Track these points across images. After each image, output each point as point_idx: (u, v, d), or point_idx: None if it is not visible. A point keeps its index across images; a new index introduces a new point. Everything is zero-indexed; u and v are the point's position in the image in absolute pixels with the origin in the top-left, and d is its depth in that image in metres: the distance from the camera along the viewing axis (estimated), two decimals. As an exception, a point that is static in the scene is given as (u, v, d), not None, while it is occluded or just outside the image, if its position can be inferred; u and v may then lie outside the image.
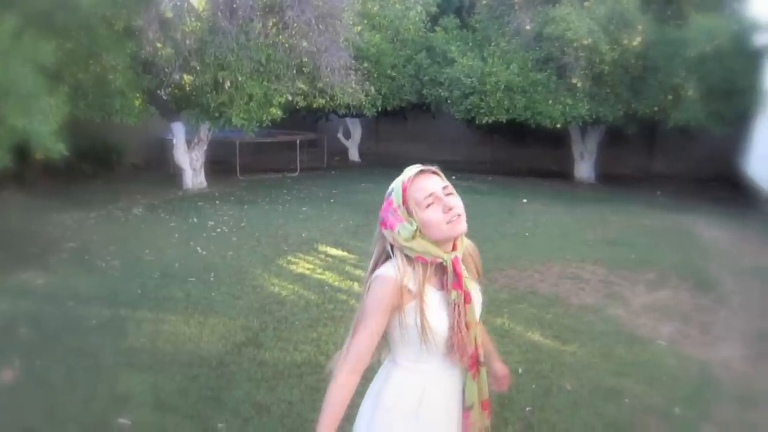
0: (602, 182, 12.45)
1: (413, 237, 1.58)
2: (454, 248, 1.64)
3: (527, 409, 3.38)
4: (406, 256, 1.61)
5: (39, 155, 5.59)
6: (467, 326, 1.62)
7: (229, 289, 5.24)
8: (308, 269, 5.91)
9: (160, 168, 12.08)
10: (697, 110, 9.69)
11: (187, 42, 8.95)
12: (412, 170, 1.61)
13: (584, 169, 12.78)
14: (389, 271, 1.61)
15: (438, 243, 1.61)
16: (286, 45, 9.99)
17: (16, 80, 4.85)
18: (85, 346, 4.02)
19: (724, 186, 11.55)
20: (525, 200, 9.90)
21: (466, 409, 1.70)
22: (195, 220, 7.99)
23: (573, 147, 12.86)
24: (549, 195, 10.62)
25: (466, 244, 1.72)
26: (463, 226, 1.60)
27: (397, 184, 1.61)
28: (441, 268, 1.64)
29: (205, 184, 10.66)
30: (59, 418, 3.20)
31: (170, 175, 11.02)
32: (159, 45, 9.19)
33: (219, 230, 7.44)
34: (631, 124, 11.23)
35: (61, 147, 5.63)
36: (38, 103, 5.13)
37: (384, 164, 13.31)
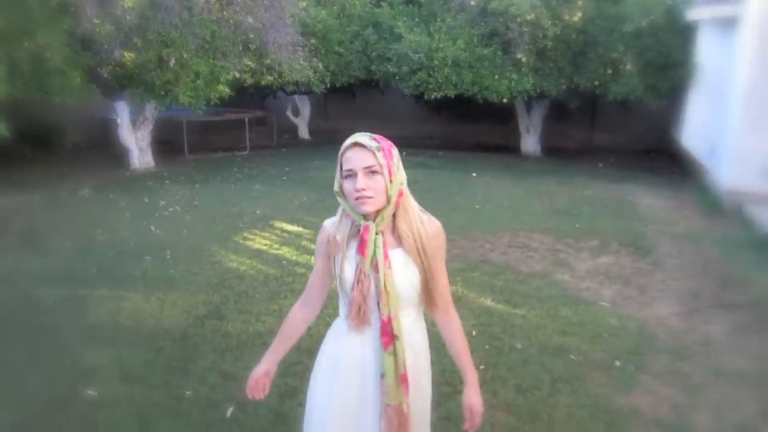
0: (548, 155, 12.82)
1: (338, 193, 1.72)
2: (376, 217, 1.70)
3: (480, 367, 3.58)
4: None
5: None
6: (378, 295, 1.69)
7: (187, 266, 5.25)
8: (265, 245, 5.96)
9: (104, 149, 11.71)
10: (635, 83, 10.09)
11: (128, 18, 8.68)
12: (351, 139, 1.68)
13: (530, 142, 13.13)
14: (327, 221, 1.80)
15: None
16: (231, 21, 9.84)
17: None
18: (44, 324, 4.01)
19: (661, 157, 12.15)
20: (474, 174, 10.16)
21: (382, 375, 1.74)
22: (146, 200, 7.88)
23: (519, 121, 13.17)
24: (497, 168, 10.91)
25: (413, 224, 1.73)
26: (367, 207, 1.65)
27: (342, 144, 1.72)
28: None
29: (153, 164, 10.46)
30: (24, 391, 3.22)
31: (116, 155, 10.73)
32: (97, 21, 8.88)
33: (171, 209, 7.37)
34: (574, 98, 11.60)
35: (2, 128, 5.47)
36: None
37: (334, 141, 13.13)
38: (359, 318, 1.72)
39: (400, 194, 1.71)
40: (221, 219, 6.95)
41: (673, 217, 7.57)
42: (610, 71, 10.56)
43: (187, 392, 3.23)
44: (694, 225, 7.14)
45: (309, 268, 5.22)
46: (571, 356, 3.78)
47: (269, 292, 4.72)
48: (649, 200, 8.51)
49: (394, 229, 1.74)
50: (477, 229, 6.68)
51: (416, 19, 11.95)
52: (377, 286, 1.69)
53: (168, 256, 5.51)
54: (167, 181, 9.17)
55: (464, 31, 11.04)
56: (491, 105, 11.95)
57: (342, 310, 1.81)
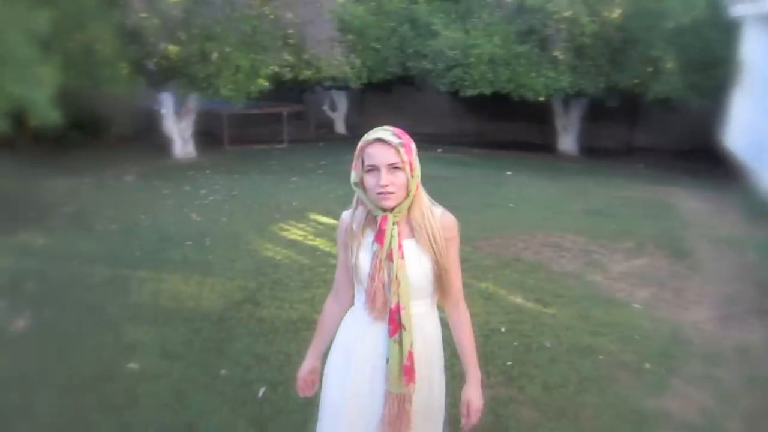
0: (585, 155, 12.67)
1: (356, 185, 1.76)
2: (394, 208, 1.74)
3: (508, 363, 3.62)
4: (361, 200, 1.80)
5: (34, 122, 5.63)
6: (390, 283, 1.72)
7: (225, 252, 5.42)
8: (300, 236, 6.09)
9: (148, 138, 12.08)
10: (676, 82, 9.87)
11: (173, 12, 8.94)
12: (373, 134, 1.72)
13: (567, 142, 12.99)
14: (345, 212, 1.85)
15: None
16: (272, 16, 10.04)
17: (12, 49, 4.91)
18: (91, 301, 4.22)
19: (703, 158, 11.85)
20: (509, 172, 10.12)
21: (387, 360, 1.76)
22: (187, 188, 8.12)
23: (556, 120, 13.04)
24: (533, 167, 10.84)
25: (426, 216, 1.77)
26: (389, 202, 1.70)
27: (363, 138, 1.75)
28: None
29: (194, 153, 10.75)
30: (72, 362, 3.41)
31: (159, 145, 11.06)
32: (144, 15, 9.16)
33: (211, 198, 7.59)
34: (612, 96, 11.40)
35: (56, 114, 5.74)
36: (33, 71, 5.20)
37: (371, 137, 13.40)
38: (376, 306, 1.74)
39: (418, 187, 1.76)
40: (258, 209, 7.12)
41: (715, 220, 7.41)
42: (650, 69, 10.34)
43: (222, 371, 3.36)
44: (737, 229, 6.98)
45: (342, 259, 5.35)
46: (600, 356, 3.78)
47: (303, 280, 4.83)
48: (690, 203, 8.35)
49: (409, 219, 1.77)
50: (510, 227, 6.68)
51: (453, 16, 11.92)
52: (389, 275, 1.72)
53: (207, 243, 5.69)
54: (207, 171, 9.41)
55: (501, 28, 10.98)
56: (528, 103, 11.86)
57: (358, 299, 1.85)
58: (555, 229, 6.69)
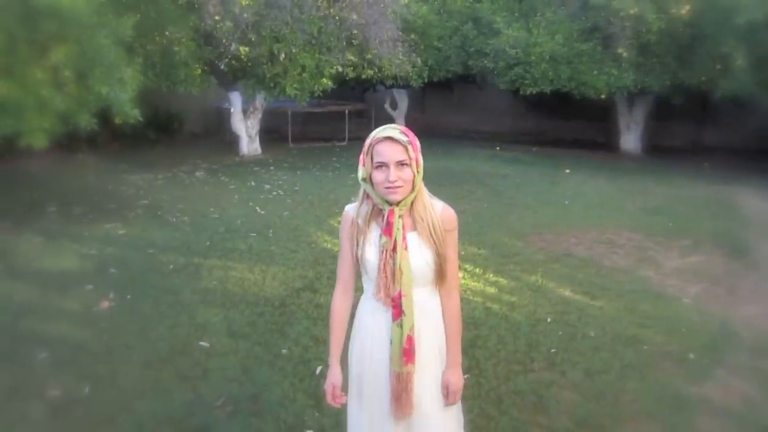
0: (649, 154, 12.44)
1: (364, 180, 1.87)
2: (400, 202, 1.84)
3: (552, 350, 3.78)
4: (367, 193, 1.90)
5: (117, 121, 6.16)
6: (394, 272, 1.83)
7: (287, 243, 5.78)
8: (357, 229, 6.38)
9: (215, 135, 12.77)
10: (746, 80, 9.57)
11: (245, 15, 9.43)
12: (382, 132, 1.82)
13: (630, 140, 12.79)
14: (349, 207, 1.97)
15: None
16: (337, 18, 10.38)
17: (100, 52, 5.42)
18: (166, 285, 4.64)
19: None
20: (568, 171, 10.11)
21: (390, 342, 1.89)
22: (252, 183, 8.59)
23: (619, 118, 12.85)
24: (592, 166, 10.78)
25: (427, 209, 1.88)
26: (397, 196, 1.81)
27: (371, 135, 1.85)
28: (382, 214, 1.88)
29: (259, 151, 11.27)
30: (150, 338, 3.81)
31: (226, 142, 11.65)
32: (218, 18, 9.71)
33: (275, 193, 8.01)
34: (678, 94, 11.17)
35: (137, 113, 6.22)
36: (119, 72, 5.70)
37: (430, 135, 13.57)
38: (387, 295, 1.86)
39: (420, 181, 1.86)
40: (319, 204, 7.47)
41: (780, 221, 7.24)
42: (718, 67, 10.07)
43: (283, 350, 3.67)
44: (802, 231, 6.81)
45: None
46: (645, 346, 3.87)
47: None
48: (756, 202, 8.15)
49: (412, 212, 1.88)
50: (563, 224, 6.76)
51: (515, 14, 11.98)
52: (393, 264, 1.84)
53: (270, 234, 6.07)
54: (272, 167, 9.88)
55: (564, 26, 10.97)
56: (590, 102, 11.77)
57: (367, 289, 1.96)
58: (609, 226, 6.72)
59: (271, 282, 4.79)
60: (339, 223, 6.48)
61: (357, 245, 1.92)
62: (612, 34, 10.41)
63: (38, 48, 5.12)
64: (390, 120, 15.91)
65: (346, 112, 13.52)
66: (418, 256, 1.87)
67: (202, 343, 3.74)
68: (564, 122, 14.89)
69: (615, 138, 13.01)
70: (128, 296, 4.43)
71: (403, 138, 1.80)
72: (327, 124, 14.38)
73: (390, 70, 11.53)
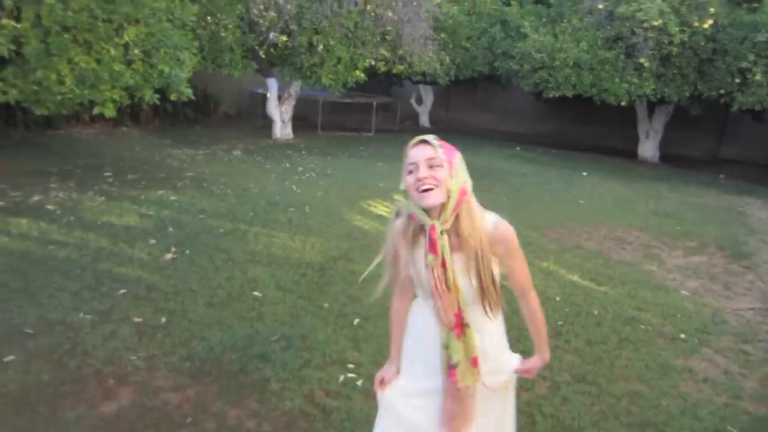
0: (666, 162, 12.83)
1: (404, 194, 1.81)
2: (440, 214, 1.76)
3: (559, 323, 4.29)
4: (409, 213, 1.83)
5: (173, 97, 6.74)
6: (447, 289, 1.77)
7: (322, 219, 6.33)
8: (386, 212, 6.91)
9: (249, 119, 13.37)
10: (763, 93, 10.01)
11: (288, 7, 9.99)
12: (417, 138, 1.78)
13: (649, 148, 13.16)
14: (397, 222, 1.89)
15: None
16: (373, 14, 10.92)
17: (166, 34, 5.99)
18: (218, 245, 5.22)
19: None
20: (585, 173, 10.56)
21: (452, 366, 1.82)
22: (287, 165, 9.17)
23: (639, 126, 13.24)
24: (609, 170, 11.22)
25: (476, 227, 1.78)
26: (428, 199, 1.72)
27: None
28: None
29: (291, 135, 11.85)
30: (210, 286, 4.38)
31: (260, 125, 12.24)
32: (263, 8, 10.29)
33: (308, 175, 8.57)
34: (697, 105, 11.60)
35: (190, 92, 6.81)
36: (179, 54, 6.27)
37: (453, 131, 14.13)
38: (446, 314, 1.80)
39: (463, 193, 1.76)
40: (349, 187, 8.01)
41: (785, 231, 7.64)
42: (737, 80, 10.48)
43: (325, 304, 4.22)
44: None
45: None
46: (641, 326, 4.37)
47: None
48: (763, 213, 8.56)
49: (458, 231, 1.78)
50: (577, 220, 7.24)
51: (543, 20, 12.45)
52: (446, 282, 1.77)
53: (307, 210, 6.63)
54: (303, 152, 10.45)
55: (589, 34, 11.39)
56: (611, 108, 12.17)
57: (419, 294, 1.95)
58: (620, 225, 7.19)
59: (310, 250, 5.34)
60: (368, 205, 7.09)
61: (405, 260, 1.88)
62: (635, 44, 10.81)
63: (114, 28, 5.71)
64: (414, 114, 16.44)
65: (374, 104, 14.05)
66: (462, 277, 1.80)
67: (254, 293, 4.30)
68: (584, 127, 15.30)
69: (633, 145, 13.41)
70: (187, 251, 5.02)
71: (435, 141, 1.76)
72: (354, 114, 14.92)
73: (420, 66, 12.07)
